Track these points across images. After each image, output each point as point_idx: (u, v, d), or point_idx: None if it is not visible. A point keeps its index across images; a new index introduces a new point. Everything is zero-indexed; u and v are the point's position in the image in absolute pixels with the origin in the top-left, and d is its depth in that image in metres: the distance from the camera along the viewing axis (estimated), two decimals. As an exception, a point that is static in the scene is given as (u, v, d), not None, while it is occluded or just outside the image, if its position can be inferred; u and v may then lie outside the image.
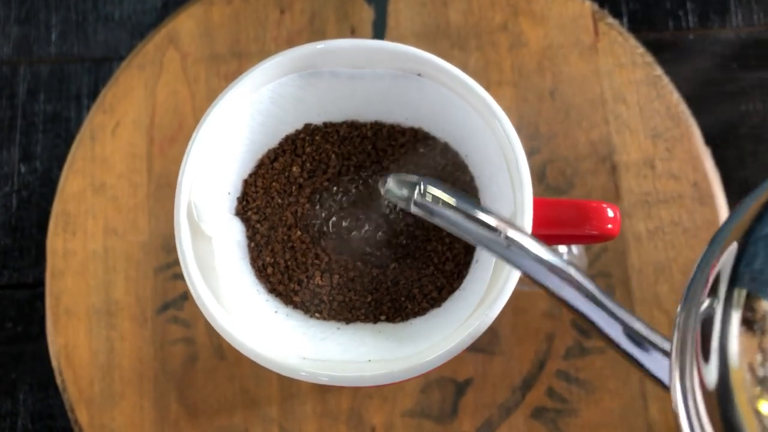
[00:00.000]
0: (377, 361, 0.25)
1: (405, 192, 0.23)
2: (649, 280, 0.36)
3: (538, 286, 0.22)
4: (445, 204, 0.22)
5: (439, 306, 0.27)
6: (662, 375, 0.22)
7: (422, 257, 0.28)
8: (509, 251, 0.22)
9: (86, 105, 0.41)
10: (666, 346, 0.21)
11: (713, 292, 0.19)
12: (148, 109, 0.38)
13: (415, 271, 0.27)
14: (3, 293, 0.38)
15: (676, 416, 0.19)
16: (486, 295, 0.25)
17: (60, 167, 0.39)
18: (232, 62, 0.39)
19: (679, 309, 0.20)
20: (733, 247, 0.19)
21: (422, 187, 0.23)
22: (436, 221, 0.23)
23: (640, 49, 0.39)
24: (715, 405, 0.18)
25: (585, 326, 0.22)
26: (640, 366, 0.22)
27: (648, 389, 0.35)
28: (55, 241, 0.37)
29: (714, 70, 0.40)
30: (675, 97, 0.38)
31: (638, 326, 0.22)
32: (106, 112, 0.38)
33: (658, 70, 0.38)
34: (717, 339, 0.18)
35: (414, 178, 0.23)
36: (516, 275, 0.25)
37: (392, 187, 0.23)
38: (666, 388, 0.22)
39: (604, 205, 0.25)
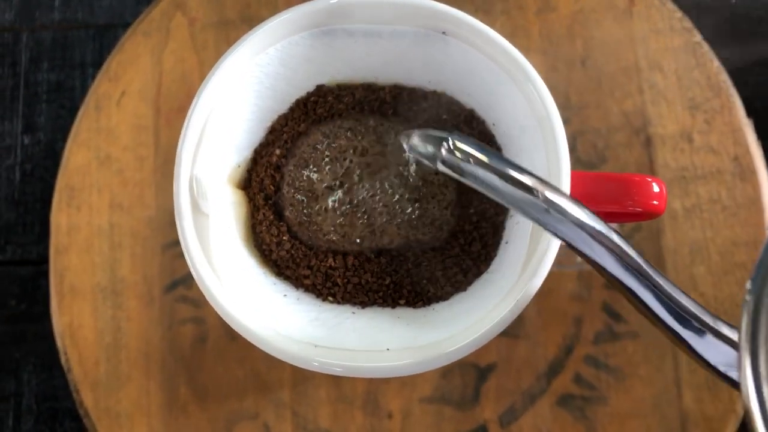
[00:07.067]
0: (397, 350, 0.23)
1: (431, 149, 0.21)
2: (685, 261, 0.34)
3: (577, 253, 0.20)
4: (477, 161, 0.20)
5: (464, 290, 0.25)
6: (715, 359, 0.20)
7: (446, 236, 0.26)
8: (548, 215, 0.20)
9: (91, 74, 0.39)
10: (722, 327, 0.20)
11: None
12: (154, 78, 0.37)
13: (439, 251, 0.25)
14: (6, 270, 0.37)
15: (748, 411, 0.17)
16: (519, 278, 0.23)
17: (64, 139, 0.38)
18: (242, 28, 0.37)
19: (748, 287, 0.18)
20: None
21: (451, 143, 0.21)
22: (467, 181, 0.21)
23: (678, 14, 0.37)
24: None
25: (629, 301, 0.21)
26: (689, 348, 0.20)
27: (682, 376, 0.33)
28: (59, 216, 0.36)
29: (757, 36, 0.38)
30: (715, 65, 0.36)
31: (689, 305, 0.20)
32: (111, 80, 0.37)
33: (698, 37, 0.36)
34: None
35: (442, 133, 0.21)
36: (553, 254, 0.23)
37: (417, 143, 0.22)
38: (718, 373, 0.20)
39: (649, 179, 0.23)
